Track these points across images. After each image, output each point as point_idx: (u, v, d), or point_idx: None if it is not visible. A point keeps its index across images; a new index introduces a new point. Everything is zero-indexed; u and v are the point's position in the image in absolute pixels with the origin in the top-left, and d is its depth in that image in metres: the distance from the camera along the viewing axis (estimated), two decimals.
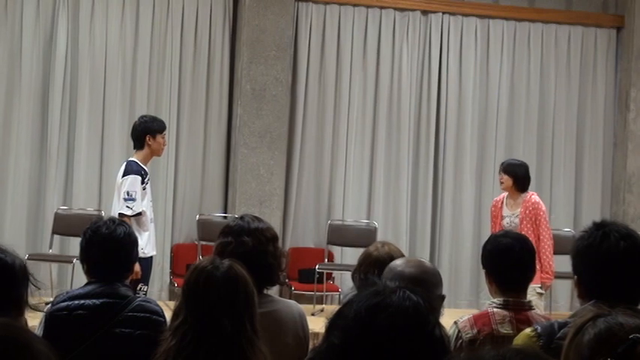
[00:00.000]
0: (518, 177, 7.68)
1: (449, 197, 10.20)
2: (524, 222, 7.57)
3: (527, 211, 7.59)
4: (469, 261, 10.03)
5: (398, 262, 3.03)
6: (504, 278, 3.55)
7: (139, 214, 6.69)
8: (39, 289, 3.31)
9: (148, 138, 6.81)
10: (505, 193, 7.82)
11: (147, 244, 6.72)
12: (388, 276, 2.92)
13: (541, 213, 7.61)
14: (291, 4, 9.73)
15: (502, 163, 7.96)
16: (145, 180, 6.80)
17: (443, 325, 1.96)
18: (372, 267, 3.36)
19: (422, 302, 1.88)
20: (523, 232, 7.29)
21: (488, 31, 10.37)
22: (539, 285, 7.41)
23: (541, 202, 7.70)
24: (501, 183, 7.78)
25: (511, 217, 7.66)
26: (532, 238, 7.35)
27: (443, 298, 2.97)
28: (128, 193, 6.67)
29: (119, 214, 6.48)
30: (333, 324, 1.89)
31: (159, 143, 6.87)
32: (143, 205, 6.74)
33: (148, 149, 6.85)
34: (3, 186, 9.29)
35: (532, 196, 7.71)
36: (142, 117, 7.13)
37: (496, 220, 7.81)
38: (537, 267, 7.20)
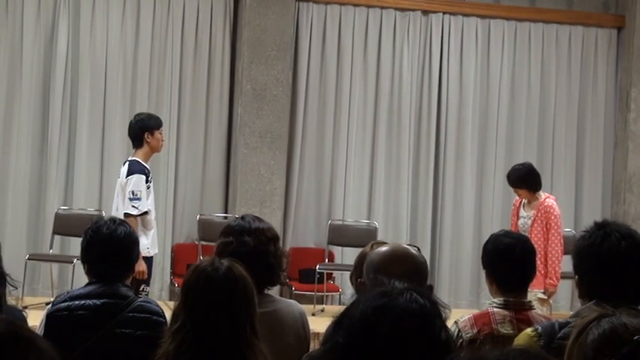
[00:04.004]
0: (527, 182, 7.63)
1: (449, 197, 10.19)
2: (536, 225, 7.52)
3: (539, 214, 7.54)
4: (469, 261, 10.02)
5: (381, 256, 2.95)
6: (505, 278, 3.55)
7: (145, 213, 6.69)
8: (15, 288, 3.32)
9: (146, 135, 6.82)
10: None
11: (151, 243, 6.72)
12: (369, 268, 2.89)
13: (552, 217, 7.53)
14: (291, 4, 9.73)
15: (507, 178, 7.83)
16: (149, 179, 6.81)
17: (449, 329, 1.95)
18: None
19: (429, 305, 1.88)
20: (533, 235, 7.27)
21: (489, 31, 10.37)
22: (542, 290, 7.36)
23: (554, 207, 7.60)
24: (519, 196, 7.73)
25: (525, 219, 7.63)
26: (542, 242, 7.34)
27: (431, 287, 2.95)
28: (133, 193, 6.67)
29: (125, 214, 6.48)
30: (339, 323, 1.89)
31: (157, 139, 6.88)
32: (148, 203, 6.75)
33: (147, 146, 6.85)
34: (4, 186, 9.29)
35: (547, 199, 7.63)
36: (137, 115, 7.16)
37: (514, 219, 7.81)
38: (542, 271, 7.21)
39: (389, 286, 1.93)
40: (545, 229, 7.52)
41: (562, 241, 7.62)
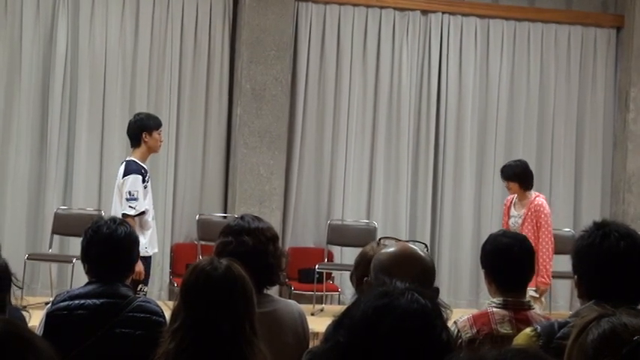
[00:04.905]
0: (520, 178, 7.70)
1: (448, 197, 10.20)
2: (526, 223, 7.58)
3: (529, 213, 7.60)
4: (469, 261, 10.03)
5: (389, 258, 2.89)
6: (504, 278, 3.55)
7: (142, 212, 6.69)
8: (20, 288, 3.32)
9: (144, 135, 6.82)
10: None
11: (149, 242, 6.72)
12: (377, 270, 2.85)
13: (542, 216, 7.60)
14: (291, 3, 9.73)
15: (501, 171, 7.91)
16: (146, 178, 6.80)
17: (450, 329, 1.95)
18: (369, 267, 3.31)
19: (430, 306, 1.87)
20: (523, 234, 7.31)
21: (488, 30, 10.37)
22: (534, 288, 7.38)
23: (544, 205, 7.68)
24: (509, 189, 7.79)
25: (516, 218, 7.70)
26: (532, 240, 7.37)
27: (437, 290, 2.94)
28: (130, 193, 6.66)
29: (123, 214, 6.48)
30: (340, 323, 1.89)
31: (155, 140, 6.87)
32: (145, 203, 6.74)
33: (145, 146, 6.85)
34: (3, 186, 9.29)
35: (537, 197, 7.70)
36: (136, 114, 7.16)
37: (505, 218, 7.86)
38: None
39: (390, 286, 1.92)
40: (535, 228, 7.58)
41: (552, 239, 7.69)
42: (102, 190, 9.37)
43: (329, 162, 9.98)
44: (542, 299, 7.78)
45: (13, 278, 3.27)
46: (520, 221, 7.64)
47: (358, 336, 1.84)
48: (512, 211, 7.78)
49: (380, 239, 3.28)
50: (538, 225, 7.59)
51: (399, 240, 3.17)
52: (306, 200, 9.96)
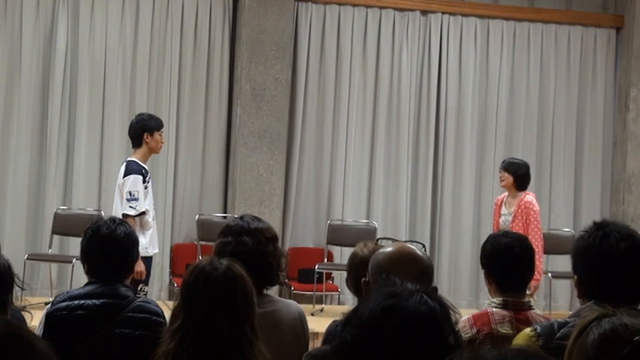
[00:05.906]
0: (518, 175, 7.76)
1: (448, 197, 10.20)
2: (516, 221, 7.64)
3: (519, 210, 7.67)
4: (468, 261, 10.03)
5: (387, 258, 2.85)
6: (504, 278, 3.55)
7: (143, 213, 6.69)
8: (23, 289, 3.31)
9: (145, 136, 6.82)
10: (507, 192, 7.90)
11: (149, 243, 6.72)
12: (373, 270, 2.83)
13: (532, 213, 7.66)
14: (290, 3, 9.73)
15: (503, 161, 8.05)
16: (147, 179, 6.81)
17: (459, 333, 1.94)
18: (361, 267, 3.27)
19: (438, 308, 1.87)
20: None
21: (488, 31, 10.37)
22: None
23: (534, 203, 7.74)
24: (502, 180, 7.86)
25: (506, 216, 7.75)
26: None
27: (435, 290, 2.92)
28: (130, 193, 6.67)
29: (123, 214, 6.48)
30: (348, 321, 1.89)
31: (157, 141, 6.88)
32: (146, 204, 6.74)
33: (146, 147, 6.85)
34: (3, 186, 9.28)
35: (527, 195, 7.77)
36: (139, 115, 7.15)
37: (496, 217, 7.90)
38: None
39: (400, 287, 1.92)
40: (525, 225, 7.62)
41: (542, 236, 7.74)
42: (102, 190, 9.37)
43: (329, 162, 9.98)
44: (534, 297, 7.81)
45: (15, 279, 3.26)
46: (510, 219, 7.70)
47: (364, 335, 1.84)
48: (503, 209, 7.85)
49: (378, 239, 3.27)
50: (527, 222, 7.64)
51: (397, 240, 3.16)
52: (306, 200, 9.96)
